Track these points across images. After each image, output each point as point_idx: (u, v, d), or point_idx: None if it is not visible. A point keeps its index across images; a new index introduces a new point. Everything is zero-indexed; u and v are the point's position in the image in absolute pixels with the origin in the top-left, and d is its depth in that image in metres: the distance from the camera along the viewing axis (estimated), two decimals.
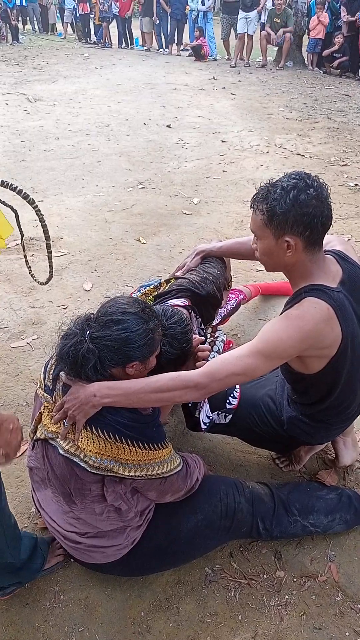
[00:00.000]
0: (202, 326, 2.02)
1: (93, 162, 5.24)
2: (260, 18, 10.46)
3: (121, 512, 1.38)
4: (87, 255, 3.48)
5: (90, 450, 1.28)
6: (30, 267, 2.13)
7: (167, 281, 2.08)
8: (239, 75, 9.71)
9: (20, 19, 15.03)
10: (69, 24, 14.84)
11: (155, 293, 2.04)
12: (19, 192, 1.71)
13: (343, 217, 4.06)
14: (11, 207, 1.88)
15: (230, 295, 2.61)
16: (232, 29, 10.86)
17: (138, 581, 1.58)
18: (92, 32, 14.10)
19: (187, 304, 1.87)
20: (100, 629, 1.47)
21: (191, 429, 1.85)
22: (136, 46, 13.47)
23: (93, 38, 14.05)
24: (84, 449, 1.28)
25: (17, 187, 1.72)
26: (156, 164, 5.22)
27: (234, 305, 2.60)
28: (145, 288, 2.12)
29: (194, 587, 1.57)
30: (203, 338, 1.69)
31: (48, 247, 1.98)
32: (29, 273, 2.15)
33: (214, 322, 2.52)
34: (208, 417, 1.73)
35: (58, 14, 15.61)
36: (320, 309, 1.29)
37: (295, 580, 1.59)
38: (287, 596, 1.55)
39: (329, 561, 1.64)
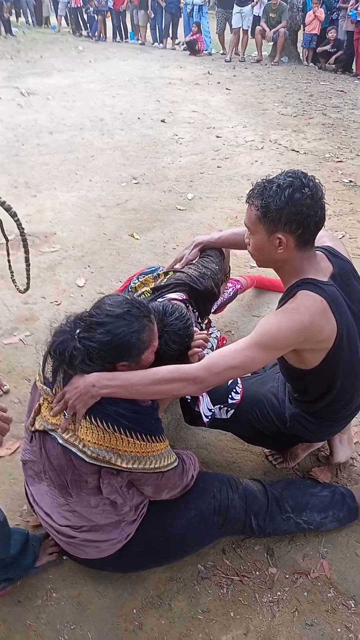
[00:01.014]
0: (199, 320, 2.03)
1: (87, 157, 5.21)
2: (253, 12, 10.43)
3: (116, 506, 1.39)
4: (81, 251, 3.46)
5: (89, 441, 1.28)
6: (12, 272, 2.13)
7: (166, 273, 2.07)
8: (234, 70, 9.68)
9: (13, 11, 14.88)
10: (62, 17, 14.71)
11: (153, 284, 2.04)
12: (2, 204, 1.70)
13: (337, 214, 4.06)
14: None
15: (227, 284, 2.61)
16: (227, 23, 10.81)
17: (130, 578, 1.58)
18: (87, 24, 13.98)
19: (184, 297, 1.86)
20: (92, 627, 1.46)
21: (190, 423, 1.85)
22: (131, 40, 13.38)
23: (87, 31, 13.94)
24: (83, 439, 1.29)
25: None
26: (150, 159, 5.19)
27: (231, 294, 2.61)
28: (143, 276, 2.11)
29: (186, 584, 1.57)
30: (205, 333, 1.70)
31: (27, 260, 1.98)
32: (11, 278, 2.15)
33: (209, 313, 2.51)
34: (210, 410, 1.73)
35: (52, 7, 15.47)
36: (315, 301, 1.31)
37: (287, 576, 1.59)
38: (279, 593, 1.55)
39: (321, 558, 1.64)
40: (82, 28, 14.04)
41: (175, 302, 1.74)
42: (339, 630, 1.47)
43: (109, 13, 12.96)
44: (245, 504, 1.60)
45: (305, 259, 1.37)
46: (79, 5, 13.51)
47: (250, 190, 1.39)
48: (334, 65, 9.89)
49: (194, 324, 1.83)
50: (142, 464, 1.33)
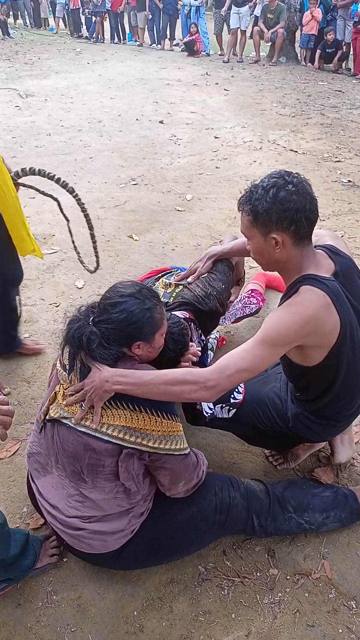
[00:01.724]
0: (202, 337, 2.06)
1: (85, 159, 5.21)
2: (252, 13, 10.44)
3: (130, 494, 1.41)
4: (79, 253, 3.44)
5: (117, 424, 1.32)
6: (79, 253, 2.36)
7: (177, 285, 2.08)
8: (232, 71, 9.68)
9: (11, 13, 14.88)
10: (60, 19, 14.72)
11: (163, 292, 2.06)
12: (57, 181, 1.80)
13: (336, 214, 4.06)
14: (52, 196, 2.02)
15: (251, 299, 2.62)
16: (224, 24, 10.82)
17: (131, 580, 1.57)
18: (84, 26, 13.99)
19: (187, 316, 1.89)
20: (92, 629, 1.46)
21: (191, 423, 1.85)
22: (129, 41, 13.39)
23: (85, 33, 13.94)
24: (108, 422, 1.32)
25: (54, 175, 1.97)
26: (149, 160, 5.19)
27: (253, 310, 2.61)
28: (161, 279, 2.15)
29: (187, 586, 1.56)
30: (199, 349, 1.75)
31: (92, 236, 2.19)
32: (79, 259, 2.39)
33: (227, 322, 2.52)
34: (210, 408, 1.74)
35: (50, 9, 15.48)
36: (317, 295, 1.32)
37: (288, 577, 1.59)
38: (280, 594, 1.55)
39: (322, 558, 1.64)
40: (80, 30, 14.04)
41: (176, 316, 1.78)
42: (340, 631, 1.46)
43: (106, 15, 12.97)
44: (247, 503, 1.60)
45: (304, 255, 1.38)
46: (77, 7, 13.51)
47: (239, 198, 1.41)
48: (332, 66, 9.91)
49: (196, 341, 1.91)
50: (169, 444, 1.36)
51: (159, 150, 5.50)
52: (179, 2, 11.49)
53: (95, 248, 2.20)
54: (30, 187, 2.11)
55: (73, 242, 2.26)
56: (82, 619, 1.48)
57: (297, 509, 1.65)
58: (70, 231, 2.32)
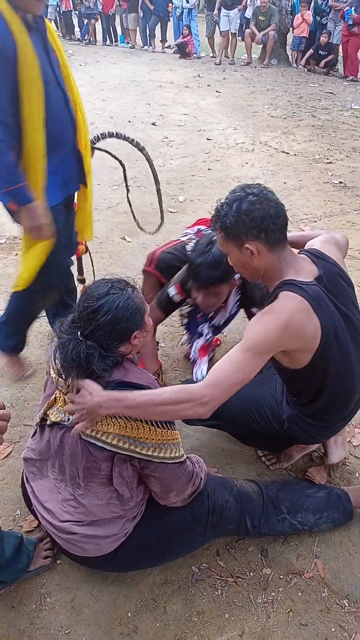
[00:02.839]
0: (238, 302, 2.08)
1: None
2: (244, 14, 10.48)
3: (123, 500, 1.41)
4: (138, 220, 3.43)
5: (112, 431, 1.32)
6: (137, 219, 2.65)
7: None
8: (224, 73, 9.71)
9: None
10: (52, 21, 14.69)
11: None
12: (132, 142, 2.28)
13: (328, 215, 4.08)
14: (120, 161, 2.18)
15: None
16: (216, 26, 10.85)
17: (125, 582, 1.57)
18: (77, 28, 13.98)
19: (237, 278, 1.96)
20: (87, 631, 1.46)
21: (187, 422, 1.89)
22: (121, 43, 13.39)
23: (77, 35, 13.93)
24: (105, 430, 1.32)
25: (129, 137, 2.32)
26: (141, 162, 5.14)
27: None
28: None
29: (180, 587, 1.57)
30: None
31: (158, 191, 2.41)
32: (138, 227, 2.65)
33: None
34: (203, 377, 1.76)
35: None
36: (294, 300, 1.34)
37: (281, 577, 1.60)
38: (273, 593, 1.55)
39: (314, 557, 1.65)
40: (73, 31, 14.02)
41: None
42: (333, 629, 1.47)
43: (99, 16, 12.97)
44: (240, 505, 1.60)
45: (283, 260, 1.41)
46: (68, 9, 13.50)
47: (211, 218, 1.46)
48: (323, 69, 9.98)
49: (232, 301, 2.08)
50: (162, 452, 1.36)
51: (151, 152, 5.46)
52: (170, 5, 11.50)
53: (160, 203, 2.44)
54: (105, 151, 2.48)
55: (132, 212, 2.57)
56: (76, 621, 1.48)
57: (291, 510, 1.66)
58: (129, 201, 2.69)
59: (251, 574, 1.60)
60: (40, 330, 2.69)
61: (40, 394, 2.21)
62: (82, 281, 2.67)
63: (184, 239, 2.31)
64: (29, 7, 1.74)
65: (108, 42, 13.34)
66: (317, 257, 1.48)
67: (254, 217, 1.34)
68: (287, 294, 1.35)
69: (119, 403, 1.27)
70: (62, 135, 1.93)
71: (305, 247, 1.54)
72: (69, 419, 1.36)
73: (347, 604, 1.53)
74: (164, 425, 1.36)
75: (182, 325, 2.44)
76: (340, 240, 1.63)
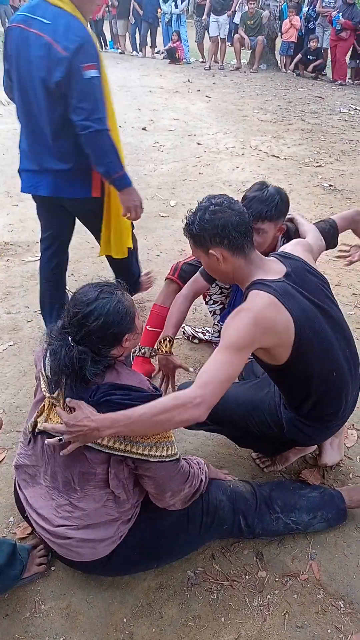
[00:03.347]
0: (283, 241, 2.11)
1: None
2: (231, 20, 10.55)
3: (119, 502, 1.41)
4: None
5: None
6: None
7: None
8: (214, 78, 9.77)
9: None
10: None
11: None
12: None
13: (318, 217, 4.10)
14: None
15: None
16: (206, 31, 10.92)
17: (120, 587, 1.56)
18: None
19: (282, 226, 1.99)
20: (82, 638, 1.45)
21: (187, 427, 1.86)
22: (110, 49, 13.43)
23: None
24: None
25: None
26: (132, 167, 5.20)
27: None
28: None
29: (176, 591, 1.56)
30: None
31: None
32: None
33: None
34: None
35: None
36: (262, 297, 1.42)
37: (277, 579, 1.60)
38: (269, 596, 1.55)
39: (310, 559, 1.65)
40: None
41: None
42: (329, 631, 1.47)
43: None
44: (234, 505, 1.61)
45: (250, 263, 1.49)
46: None
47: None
48: (312, 73, 10.07)
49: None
50: (159, 450, 1.36)
51: (142, 157, 5.52)
52: (159, 10, 11.55)
53: None
54: None
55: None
56: (71, 628, 1.47)
57: (284, 509, 1.67)
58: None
59: (247, 577, 1.60)
60: (32, 335, 2.68)
61: (32, 400, 2.20)
62: None
63: None
64: (89, 12, 1.97)
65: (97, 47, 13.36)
66: (284, 257, 1.58)
67: (215, 225, 1.44)
68: (255, 292, 1.43)
69: (115, 424, 1.28)
70: None
71: (275, 252, 1.65)
72: (60, 439, 1.33)
73: (342, 606, 1.53)
74: None
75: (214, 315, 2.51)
76: (313, 246, 1.77)
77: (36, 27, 1.87)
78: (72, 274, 3.27)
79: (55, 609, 1.51)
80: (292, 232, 2.04)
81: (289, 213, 2.05)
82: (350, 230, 2.14)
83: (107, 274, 3.24)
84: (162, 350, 1.97)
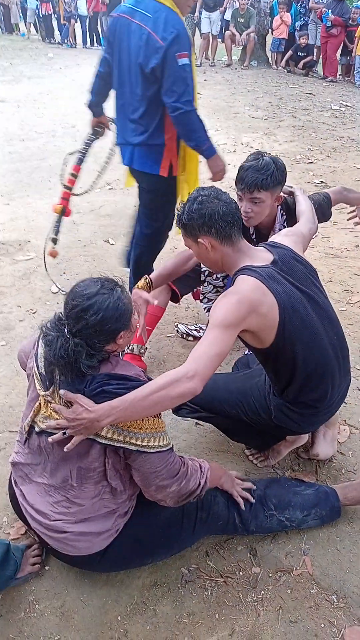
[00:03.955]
0: (285, 224, 2.16)
1: (59, 164, 5.14)
2: (223, 17, 10.54)
3: (116, 493, 1.42)
4: (56, 258, 3.42)
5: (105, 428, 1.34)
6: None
7: None
8: (205, 75, 9.75)
9: None
10: (31, 24, 14.62)
11: None
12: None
13: None
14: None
15: None
16: (197, 28, 10.90)
17: (114, 585, 1.57)
18: (57, 31, 13.92)
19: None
20: (77, 636, 1.45)
21: (175, 412, 1.90)
22: (101, 46, 13.37)
23: (58, 38, 13.88)
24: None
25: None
26: (121, 165, 5.18)
27: None
28: None
29: (170, 588, 1.57)
30: None
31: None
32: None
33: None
34: None
35: (20, 14, 15.35)
36: (248, 281, 1.50)
37: (270, 575, 1.60)
38: (263, 592, 1.56)
39: (303, 555, 1.66)
40: (54, 35, 13.96)
41: None
42: (322, 625, 1.48)
43: (78, 19, 12.93)
44: (227, 501, 1.62)
45: (237, 252, 1.57)
46: (48, 12, 13.44)
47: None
48: (303, 70, 10.09)
49: (278, 224, 2.17)
50: (156, 441, 1.38)
51: None
52: None
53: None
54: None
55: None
56: (65, 627, 1.47)
57: (278, 507, 1.68)
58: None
59: (240, 573, 1.61)
60: (25, 335, 2.67)
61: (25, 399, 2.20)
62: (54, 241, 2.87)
63: None
64: (186, 7, 2.25)
65: (88, 44, 13.32)
66: (272, 246, 1.66)
67: (203, 215, 1.52)
68: (241, 277, 1.51)
69: (113, 410, 1.29)
70: None
71: (265, 242, 1.73)
72: (64, 433, 1.34)
73: (335, 600, 1.54)
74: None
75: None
76: (305, 232, 1.83)
77: (138, 18, 2.14)
78: (64, 273, 3.26)
79: (49, 609, 1.51)
80: (291, 206, 2.08)
81: (290, 186, 2.08)
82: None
83: (100, 272, 3.24)
84: (137, 286, 2.02)
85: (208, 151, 2.38)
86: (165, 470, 1.40)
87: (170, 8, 2.14)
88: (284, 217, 2.15)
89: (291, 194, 2.10)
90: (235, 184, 2.00)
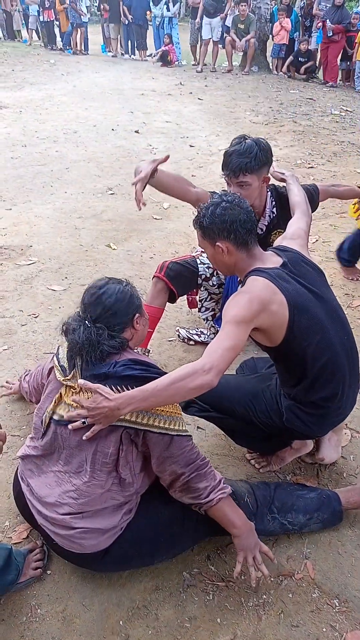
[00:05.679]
0: (274, 210, 2.19)
1: (61, 169, 5.20)
2: (224, 23, 10.60)
3: (124, 484, 1.47)
4: (58, 263, 3.45)
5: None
6: None
7: None
8: (206, 80, 9.80)
9: None
10: (33, 31, 14.70)
11: None
12: None
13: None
14: None
15: None
16: (199, 34, 10.96)
17: (116, 589, 1.57)
18: (58, 38, 13.99)
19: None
20: None
21: (184, 410, 1.88)
22: (102, 52, 13.44)
23: (59, 45, 13.94)
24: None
25: None
26: (125, 170, 5.21)
27: None
28: None
29: (172, 593, 1.57)
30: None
31: None
32: None
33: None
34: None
35: (23, 21, 15.44)
36: (259, 281, 1.55)
37: (272, 579, 1.60)
38: (264, 596, 1.56)
39: (304, 559, 1.66)
40: (55, 41, 14.02)
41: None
42: (324, 629, 1.48)
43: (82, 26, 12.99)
44: None
45: (250, 257, 1.64)
46: (50, 19, 13.51)
47: (194, 219, 1.69)
48: (304, 75, 10.13)
49: (268, 210, 2.21)
50: (176, 424, 1.46)
51: (135, 159, 5.53)
52: (149, 13, 11.58)
53: None
54: None
55: None
56: (67, 631, 1.47)
57: (281, 510, 1.67)
58: None
59: (242, 577, 1.61)
60: (26, 339, 2.68)
61: (27, 404, 2.20)
62: None
63: (194, 253, 2.48)
64: None
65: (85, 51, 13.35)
66: (281, 250, 1.72)
67: (224, 220, 1.58)
68: (252, 278, 1.57)
69: (133, 400, 1.35)
70: None
71: (273, 245, 1.80)
72: (84, 422, 1.39)
73: (337, 604, 1.54)
74: None
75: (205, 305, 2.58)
76: (304, 227, 1.90)
77: None
78: (66, 277, 3.28)
79: (51, 613, 1.51)
80: (283, 196, 2.09)
81: (282, 172, 2.08)
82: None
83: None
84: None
85: None
86: (182, 457, 1.45)
87: None
88: (274, 203, 2.16)
89: (283, 180, 2.11)
90: (222, 170, 2.01)
